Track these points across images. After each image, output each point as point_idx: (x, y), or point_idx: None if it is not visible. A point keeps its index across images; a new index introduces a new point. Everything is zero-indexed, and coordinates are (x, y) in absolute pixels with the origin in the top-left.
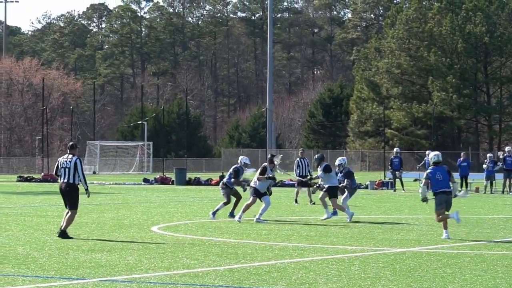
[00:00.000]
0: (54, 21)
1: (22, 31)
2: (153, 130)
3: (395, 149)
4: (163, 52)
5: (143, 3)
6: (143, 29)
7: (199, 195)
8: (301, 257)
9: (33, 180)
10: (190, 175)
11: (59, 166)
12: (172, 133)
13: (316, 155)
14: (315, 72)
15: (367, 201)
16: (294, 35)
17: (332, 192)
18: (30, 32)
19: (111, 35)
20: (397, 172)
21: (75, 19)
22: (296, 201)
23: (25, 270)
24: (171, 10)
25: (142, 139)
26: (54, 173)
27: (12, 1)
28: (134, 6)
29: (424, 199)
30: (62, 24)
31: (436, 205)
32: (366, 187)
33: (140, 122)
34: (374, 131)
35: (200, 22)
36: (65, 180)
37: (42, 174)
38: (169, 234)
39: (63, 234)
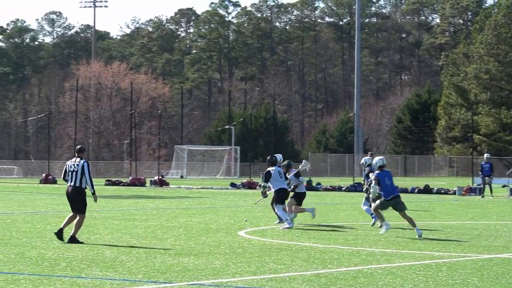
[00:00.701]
0: (143, 26)
1: (110, 35)
2: (240, 134)
3: (485, 155)
4: (250, 57)
5: (231, 8)
6: (231, 34)
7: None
8: (388, 263)
9: (121, 184)
10: None
11: (67, 170)
12: (260, 138)
13: (284, 162)
14: (402, 77)
15: (455, 207)
16: (381, 40)
17: (298, 200)
18: (118, 37)
19: (199, 40)
20: (487, 178)
21: (163, 24)
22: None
23: (113, 273)
24: (259, 15)
25: (230, 143)
26: (62, 178)
27: (101, 6)
28: (222, 11)
29: (376, 198)
30: (150, 29)
31: (380, 204)
32: (454, 193)
33: (227, 126)
34: (462, 136)
35: (287, 27)
36: (72, 184)
37: (130, 178)
38: (256, 239)
39: (72, 240)
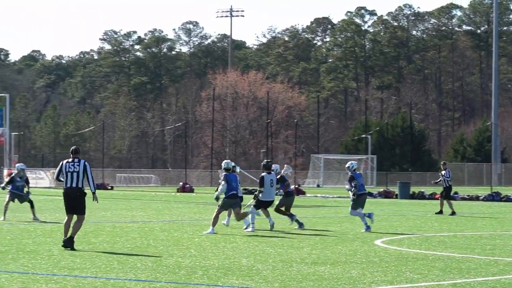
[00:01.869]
0: (279, 35)
1: (247, 45)
2: (377, 143)
3: None
4: (387, 66)
5: (367, 17)
6: (367, 43)
7: (423, 209)
8: None
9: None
10: (414, 189)
11: (64, 171)
12: (396, 147)
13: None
14: None
15: None
16: None
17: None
18: (255, 46)
19: (335, 49)
20: None
21: (299, 33)
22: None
23: (249, 282)
24: (395, 24)
25: (366, 152)
26: (55, 178)
27: (238, 16)
28: (358, 20)
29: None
30: (286, 38)
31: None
32: None
33: (364, 135)
34: None
35: (424, 36)
36: (74, 185)
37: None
38: (392, 248)
39: (70, 242)
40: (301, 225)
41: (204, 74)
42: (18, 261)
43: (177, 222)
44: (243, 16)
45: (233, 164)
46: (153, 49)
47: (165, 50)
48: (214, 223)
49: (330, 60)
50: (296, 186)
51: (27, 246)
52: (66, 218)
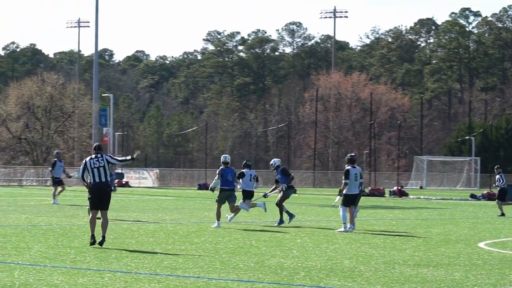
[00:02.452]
0: (382, 36)
1: (350, 46)
2: (480, 145)
3: None
4: (491, 67)
5: (471, 18)
6: (471, 44)
7: None
8: None
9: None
10: None
11: (89, 167)
12: (500, 149)
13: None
14: None
15: None
16: None
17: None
18: (358, 47)
19: (439, 50)
20: None
21: (403, 34)
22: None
23: (351, 283)
24: (500, 25)
25: (470, 154)
26: (80, 176)
27: (341, 17)
28: (462, 21)
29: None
30: (390, 39)
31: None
32: None
33: (467, 137)
34: None
35: None
36: (103, 180)
37: (369, 188)
38: (496, 251)
39: (102, 243)
40: (291, 216)
41: (307, 75)
42: (121, 261)
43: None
44: (346, 17)
45: (228, 158)
46: (257, 50)
47: (268, 50)
48: (218, 217)
49: (434, 61)
50: (399, 188)
51: (130, 245)
52: (91, 215)
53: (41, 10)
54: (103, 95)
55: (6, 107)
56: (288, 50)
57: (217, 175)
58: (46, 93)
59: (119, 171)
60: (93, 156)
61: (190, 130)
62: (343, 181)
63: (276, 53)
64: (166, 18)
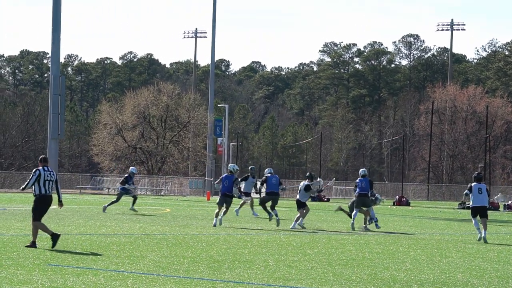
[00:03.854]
0: (499, 49)
1: (467, 58)
2: None
3: None
4: None
5: None
6: None
7: None
8: None
9: None
10: None
11: (42, 179)
12: None
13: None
14: None
15: None
16: None
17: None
18: (475, 60)
19: None
20: None
21: None
22: None
23: None
24: None
25: None
26: (30, 185)
27: (459, 29)
28: None
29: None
30: (507, 52)
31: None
32: None
33: None
34: None
35: None
36: (50, 192)
37: None
38: None
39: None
40: (276, 220)
41: (423, 88)
42: (234, 271)
43: (393, 235)
44: (464, 29)
45: (236, 167)
46: (373, 62)
47: (384, 62)
48: (216, 215)
49: None
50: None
51: (243, 256)
52: (36, 223)
53: (158, 20)
54: (218, 105)
55: (122, 116)
56: (404, 62)
57: (217, 181)
58: (162, 103)
59: None
60: (46, 168)
61: (305, 141)
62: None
63: (392, 65)
64: (282, 29)
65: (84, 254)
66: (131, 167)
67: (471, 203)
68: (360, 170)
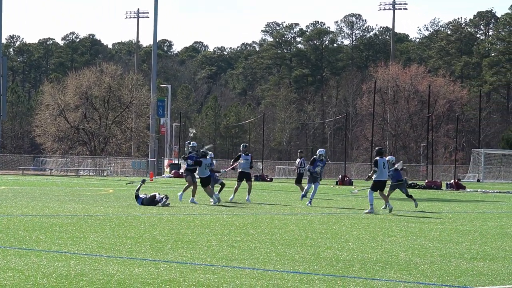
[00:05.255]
0: (442, 29)
1: (409, 38)
2: None
3: None
4: None
5: None
6: None
7: None
8: None
9: (417, 186)
10: None
11: None
12: None
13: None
14: None
15: None
16: None
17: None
18: (417, 39)
19: (498, 43)
20: None
21: (462, 26)
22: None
23: (407, 276)
24: None
25: None
26: None
27: (401, 9)
28: None
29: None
30: (449, 32)
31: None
32: None
33: None
34: None
35: None
36: None
37: (426, 180)
38: None
39: None
40: (217, 200)
41: (366, 67)
42: (177, 251)
43: (336, 215)
44: (406, 9)
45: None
46: (315, 42)
47: (326, 42)
48: (193, 194)
49: (493, 54)
50: (457, 181)
51: (185, 236)
52: None
53: (100, 0)
54: (161, 86)
55: (65, 97)
56: (346, 42)
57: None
58: (104, 84)
59: (176, 161)
60: None
61: (248, 121)
62: (373, 169)
63: (335, 45)
64: (225, 9)
65: (27, 235)
66: None
67: (374, 177)
68: (389, 157)
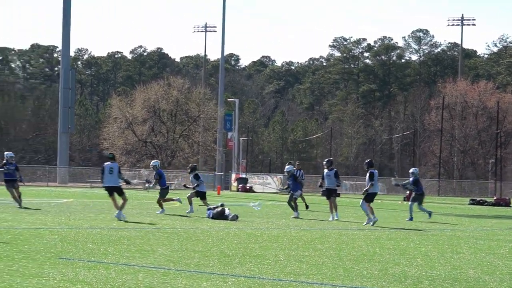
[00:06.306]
0: (510, 45)
1: (477, 54)
2: None
3: None
4: None
5: None
6: None
7: None
8: None
9: (485, 203)
10: None
11: None
12: None
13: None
14: None
15: None
16: None
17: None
18: (486, 55)
19: None
20: None
21: None
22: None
23: None
24: None
25: None
26: None
27: (469, 24)
28: None
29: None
30: None
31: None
32: None
33: None
34: None
35: None
36: None
37: (495, 197)
38: None
39: None
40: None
41: (434, 83)
42: (245, 265)
43: (404, 231)
44: (474, 24)
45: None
46: (382, 57)
47: (394, 58)
48: (160, 206)
49: None
50: None
51: (253, 250)
52: None
53: (168, 14)
54: (228, 100)
55: (133, 110)
56: (414, 57)
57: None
58: (172, 97)
59: (243, 176)
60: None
61: (315, 136)
62: (371, 182)
63: (402, 60)
64: (292, 23)
65: (95, 248)
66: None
67: (370, 190)
68: (413, 169)
